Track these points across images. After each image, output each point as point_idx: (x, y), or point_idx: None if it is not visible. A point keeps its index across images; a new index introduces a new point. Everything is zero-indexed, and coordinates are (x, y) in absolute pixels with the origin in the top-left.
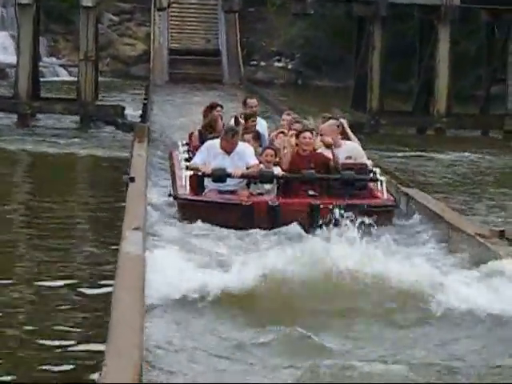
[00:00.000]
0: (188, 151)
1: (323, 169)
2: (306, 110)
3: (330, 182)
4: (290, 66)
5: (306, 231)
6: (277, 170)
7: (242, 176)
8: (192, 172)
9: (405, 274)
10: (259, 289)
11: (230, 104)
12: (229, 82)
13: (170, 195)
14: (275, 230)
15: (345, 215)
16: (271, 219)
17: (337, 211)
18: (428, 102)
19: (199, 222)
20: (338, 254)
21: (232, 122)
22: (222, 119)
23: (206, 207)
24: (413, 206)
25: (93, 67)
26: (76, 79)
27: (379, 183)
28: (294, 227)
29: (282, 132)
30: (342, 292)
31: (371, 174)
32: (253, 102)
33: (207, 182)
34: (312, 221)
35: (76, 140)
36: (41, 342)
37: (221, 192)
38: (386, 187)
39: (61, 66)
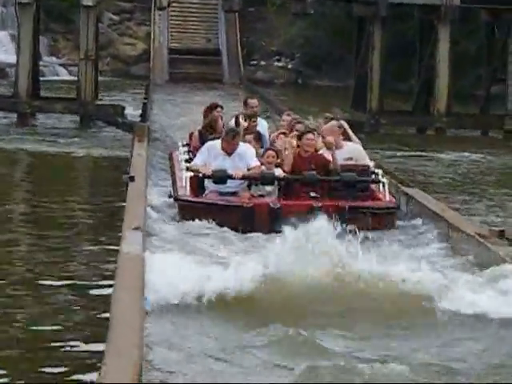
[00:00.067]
0: (188, 152)
1: (323, 170)
2: (306, 109)
3: (331, 183)
4: (289, 66)
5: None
6: (278, 172)
7: (243, 177)
8: (192, 173)
9: (406, 276)
10: (258, 289)
11: (230, 103)
12: (229, 81)
13: (170, 196)
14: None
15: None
16: (272, 221)
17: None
18: (428, 102)
19: (199, 222)
20: (338, 253)
21: (233, 121)
22: (222, 119)
23: (207, 209)
24: (413, 207)
25: (93, 66)
26: (76, 78)
27: (381, 185)
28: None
29: (284, 133)
30: (342, 292)
31: (373, 176)
32: (253, 102)
33: (208, 183)
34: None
35: (76, 139)
36: (40, 341)
37: (221, 193)
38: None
39: (61, 65)
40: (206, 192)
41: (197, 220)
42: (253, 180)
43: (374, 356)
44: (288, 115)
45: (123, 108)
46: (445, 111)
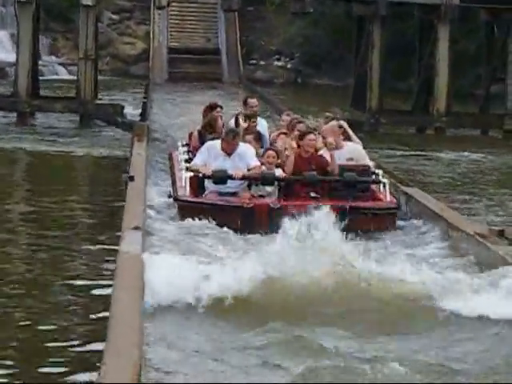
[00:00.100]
0: (188, 152)
1: (323, 171)
2: (305, 109)
3: (331, 184)
4: (289, 65)
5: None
6: (278, 172)
7: (243, 178)
8: (192, 173)
9: (406, 276)
10: (258, 289)
11: (230, 103)
12: (228, 80)
13: (169, 196)
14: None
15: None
16: (272, 221)
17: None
18: (428, 101)
19: (198, 222)
20: (338, 253)
21: (232, 121)
22: (221, 119)
23: (207, 209)
24: (412, 206)
25: (92, 66)
26: (75, 78)
27: (382, 185)
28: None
29: (284, 133)
30: (342, 292)
31: (373, 176)
32: (253, 101)
33: (207, 183)
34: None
35: (75, 139)
36: (40, 341)
37: (221, 194)
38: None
39: (60, 64)
40: (206, 192)
41: (196, 220)
42: (253, 180)
43: (373, 356)
44: (288, 115)
45: (123, 107)
46: (444, 110)
